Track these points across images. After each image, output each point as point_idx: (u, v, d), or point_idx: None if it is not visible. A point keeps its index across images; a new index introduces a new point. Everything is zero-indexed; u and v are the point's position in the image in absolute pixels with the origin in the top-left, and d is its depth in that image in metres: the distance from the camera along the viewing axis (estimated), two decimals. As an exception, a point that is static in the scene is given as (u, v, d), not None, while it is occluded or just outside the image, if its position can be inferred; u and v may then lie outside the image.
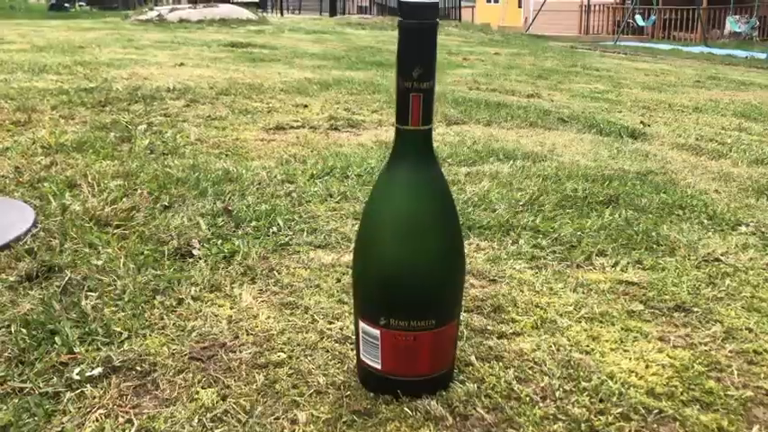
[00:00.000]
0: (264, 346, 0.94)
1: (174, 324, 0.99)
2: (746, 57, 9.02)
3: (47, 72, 3.46)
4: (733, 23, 14.58)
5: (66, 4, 11.89)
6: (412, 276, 0.77)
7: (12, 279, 1.14)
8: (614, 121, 2.94)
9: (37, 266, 1.17)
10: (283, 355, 0.91)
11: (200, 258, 1.24)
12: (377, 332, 0.79)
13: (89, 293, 1.08)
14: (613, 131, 2.70)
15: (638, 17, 15.62)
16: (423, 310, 0.77)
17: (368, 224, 0.79)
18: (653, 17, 15.46)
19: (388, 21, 10.80)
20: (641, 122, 3.10)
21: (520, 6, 21.83)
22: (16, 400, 0.80)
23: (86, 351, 0.91)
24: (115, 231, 1.36)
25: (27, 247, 1.26)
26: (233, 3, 13.86)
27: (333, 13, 12.79)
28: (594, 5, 17.98)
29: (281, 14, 13.39)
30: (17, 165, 1.80)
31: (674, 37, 15.10)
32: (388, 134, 2.37)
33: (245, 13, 9.18)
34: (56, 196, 1.54)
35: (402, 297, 0.77)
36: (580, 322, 1.03)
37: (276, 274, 1.18)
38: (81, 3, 13.54)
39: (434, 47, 0.75)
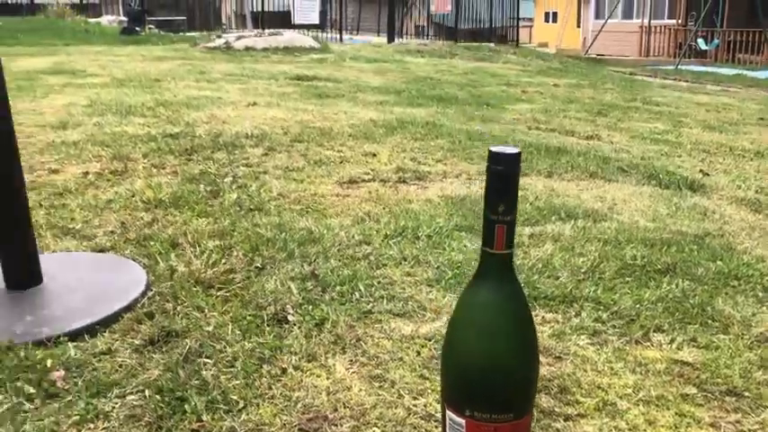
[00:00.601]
0: (360, 420, 1.09)
1: (281, 394, 1.16)
2: (814, 83, 8.86)
3: (133, 114, 3.73)
4: (800, 46, 14.22)
5: (137, 28, 12.48)
6: (494, 379, 0.91)
7: (137, 342, 1.33)
8: (673, 171, 3.01)
9: (157, 331, 1.36)
10: (378, 430, 1.06)
11: (294, 324, 1.41)
12: (462, 421, 0.93)
13: (206, 360, 1.25)
14: (672, 183, 2.78)
15: (700, 40, 15.38)
16: (503, 407, 0.91)
17: (455, 332, 0.94)
18: (716, 40, 15.20)
19: (446, 47, 10.97)
20: (700, 171, 3.16)
21: (578, 26, 21.70)
22: (162, 465, 0.98)
23: (212, 419, 1.08)
24: (218, 294, 1.54)
25: (145, 310, 1.45)
26: (295, 26, 14.29)
27: (391, 38, 13.06)
28: (655, 27, 17.77)
29: (341, 39, 13.73)
30: (122, 220, 2.02)
31: (738, 60, 14.80)
32: (453, 187, 2.51)
33: (308, 41, 9.50)
34: (161, 255, 1.74)
35: (485, 397, 0.91)
36: (638, 405, 1.15)
37: (363, 344, 1.34)
38: (150, 26, 14.18)
39: (516, 187, 0.89)
